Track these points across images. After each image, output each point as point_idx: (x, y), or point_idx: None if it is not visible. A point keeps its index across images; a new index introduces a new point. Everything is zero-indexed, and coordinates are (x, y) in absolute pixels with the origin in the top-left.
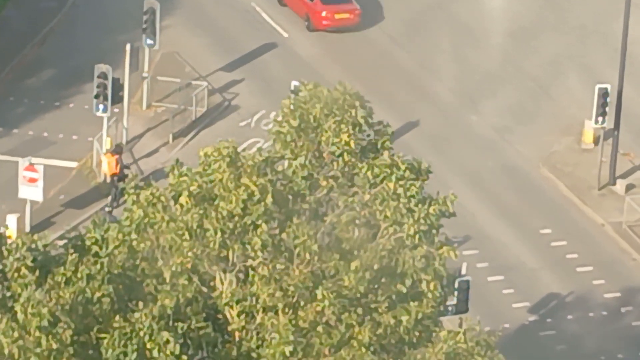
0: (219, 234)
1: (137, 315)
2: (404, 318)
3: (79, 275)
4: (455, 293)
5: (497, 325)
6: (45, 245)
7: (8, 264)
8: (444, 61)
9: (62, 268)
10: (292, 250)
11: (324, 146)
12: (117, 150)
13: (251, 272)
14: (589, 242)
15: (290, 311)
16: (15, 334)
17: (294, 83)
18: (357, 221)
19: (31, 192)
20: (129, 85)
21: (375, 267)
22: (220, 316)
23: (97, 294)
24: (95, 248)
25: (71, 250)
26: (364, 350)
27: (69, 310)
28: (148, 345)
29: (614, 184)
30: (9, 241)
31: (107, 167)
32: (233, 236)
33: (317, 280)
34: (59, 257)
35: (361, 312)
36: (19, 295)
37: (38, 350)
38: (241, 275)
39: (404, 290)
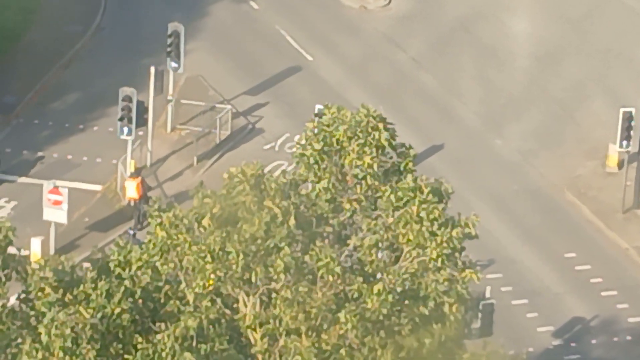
0: (242, 256)
1: (159, 336)
2: (427, 341)
3: (98, 291)
4: (479, 316)
5: (521, 349)
6: (72, 267)
7: (33, 284)
8: (469, 84)
9: (82, 286)
10: (315, 273)
11: (347, 169)
12: (138, 173)
13: (274, 295)
14: (614, 266)
15: (313, 334)
16: (39, 355)
17: (318, 106)
18: (380, 244)
19: (56, 214)
20: (154, 108)
21: (398, 290)
22: (243, 338)
23: (117, 310)
24: (118, 270)
25: (91, 268)
26: None
27: (90, 329)
28: None
29: (639, 207)
30: (33, 263)
31: (131, 190)
32: (256, 259)
33: (340, 303)
34: (83, 279)
35: (384, 334)
36: (43, 315)
37: None
38: (264, 298)
39: (427, 312)
